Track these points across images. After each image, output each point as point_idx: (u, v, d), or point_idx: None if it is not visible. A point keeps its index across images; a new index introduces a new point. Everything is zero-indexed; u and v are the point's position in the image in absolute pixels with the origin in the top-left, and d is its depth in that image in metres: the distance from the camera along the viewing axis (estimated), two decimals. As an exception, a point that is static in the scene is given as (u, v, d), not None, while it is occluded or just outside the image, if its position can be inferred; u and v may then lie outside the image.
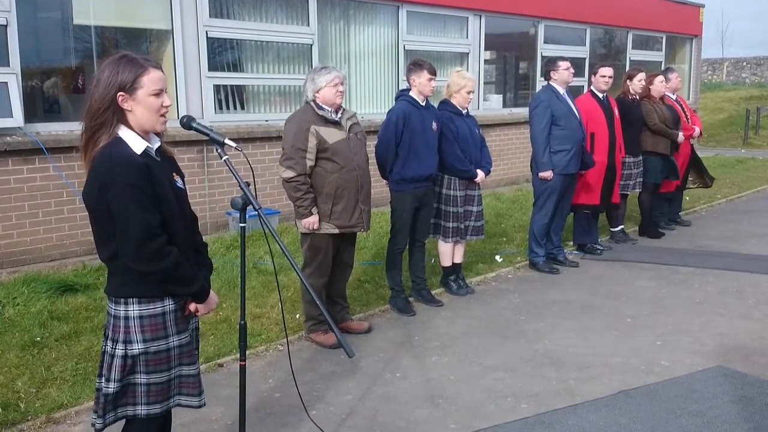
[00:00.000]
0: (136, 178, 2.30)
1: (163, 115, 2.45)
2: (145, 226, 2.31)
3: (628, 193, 7.53)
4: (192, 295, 2.53)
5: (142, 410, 2.47)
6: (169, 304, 2.47)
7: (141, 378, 2.45)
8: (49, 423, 3.59)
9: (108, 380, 2.44)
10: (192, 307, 2.57)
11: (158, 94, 2.41)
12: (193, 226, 2.69)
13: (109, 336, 2.47)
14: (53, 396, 3.81)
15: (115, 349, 2.43)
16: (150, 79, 2.38)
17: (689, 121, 8.21)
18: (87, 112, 2.38)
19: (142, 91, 2.37)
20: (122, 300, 2.43)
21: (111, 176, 2.29)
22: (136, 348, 2.42)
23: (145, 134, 2.44)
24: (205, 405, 2.64)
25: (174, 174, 2.54)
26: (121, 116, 2.38)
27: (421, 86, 5.16)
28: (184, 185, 2.61)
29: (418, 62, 5.22)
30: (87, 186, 2.37)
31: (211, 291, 2.64)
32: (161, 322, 2.46)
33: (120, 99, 2.36)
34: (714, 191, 10.46)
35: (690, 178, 8.75)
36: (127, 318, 2.43)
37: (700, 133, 8.45)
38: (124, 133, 2.38)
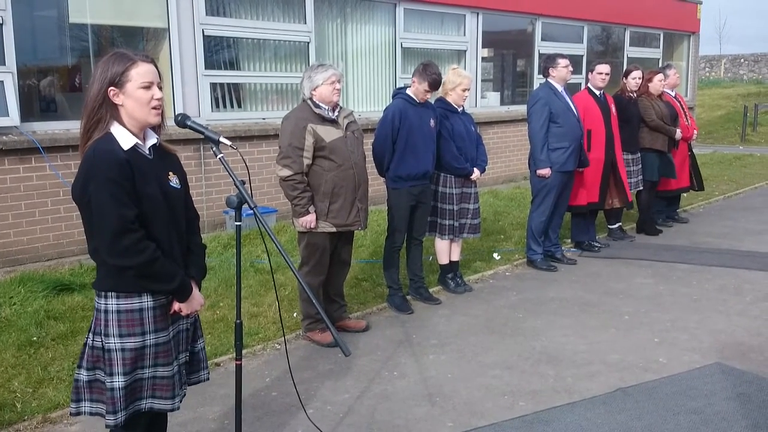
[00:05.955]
0: (114, 173, 2.31)
1: (155, 108, 2.44)
2: (120, 220, 2.31)
3: (631, 191, 7.49)
4: (171, 292, 2.50)
5: (120, 417, 2.43)
6: (147, 301, 2.45)
7: (119, 381, 2.41)
8: (45, 423, 3.58)
9: (82, 368, 2.47)
10: (175, 306, 2.54)
11: (148, 86, 2.41)
12: (191, 226, 2.67)
13: (92, 328, 2.49)
14: (50, 396, 3.80)
15: (93, 340, 2.46)
16: (138, 72, 2.39)
17: (687, 118, 8.20)
18: (84, 110, 2.42)
19: (130, 85, 2.38)
20: (103, 293, 2.45)
21: (92, 171, 2.32)
22: (113, 342, 2.42)
23: (139, 130, 2.45)
24: (179, 408, 2.59)
25: (170, 173, 2.53)
26: (114, 112, 2.40)
27: (417, 91, 5.17)
28: (182, 185, 2.59)
29: (427, 71, 5.10)
30: (74, 181, 2.40)
31: (196, 291, 2.62)
32: (138, 318, 2.44)
33: (111, 93, 2.38)
34: (712, 188, 10.46)
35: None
36: (106, 311, 2.44)
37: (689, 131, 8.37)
38: (115, 129, 2.40)
